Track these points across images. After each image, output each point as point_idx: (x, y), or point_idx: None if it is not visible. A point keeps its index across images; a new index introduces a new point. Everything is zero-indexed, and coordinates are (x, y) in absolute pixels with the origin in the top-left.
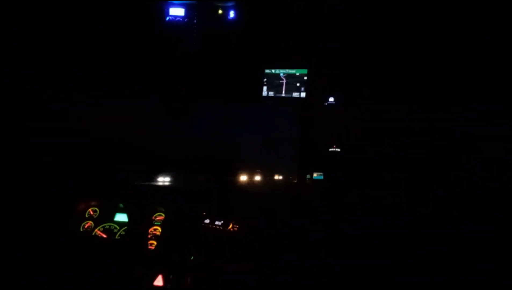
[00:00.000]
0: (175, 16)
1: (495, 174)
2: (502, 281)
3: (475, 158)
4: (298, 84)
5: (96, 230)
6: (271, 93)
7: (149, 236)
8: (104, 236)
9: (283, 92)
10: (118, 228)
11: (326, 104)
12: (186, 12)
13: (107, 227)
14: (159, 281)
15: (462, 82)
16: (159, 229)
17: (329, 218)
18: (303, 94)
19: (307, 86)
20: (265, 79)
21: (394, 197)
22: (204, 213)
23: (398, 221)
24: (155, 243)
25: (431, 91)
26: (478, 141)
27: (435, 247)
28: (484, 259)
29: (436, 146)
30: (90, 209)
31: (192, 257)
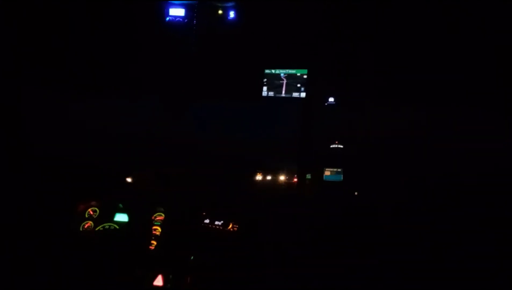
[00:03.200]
0: (175, 17)
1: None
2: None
3: (472, 154)
4: (298, 85)
5: (95, 230)
6: (271, 93)
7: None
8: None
9: (283, 92)
10: (118, 228)
11: (326, 104)
12: (186, 12)
13: (107, 227)
14: (159, 281)
15: (462, 82)
16: (159, 229)
17: (331, 219)
18: (303, 94)
19: (307, 86)
20: (265, 79)
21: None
22: (204, 213)
23: (406, 223)
24: (155, 243)
25: (431, 91)
26: (476, 138)
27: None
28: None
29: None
30: (90, 209)
31: (192, 257)
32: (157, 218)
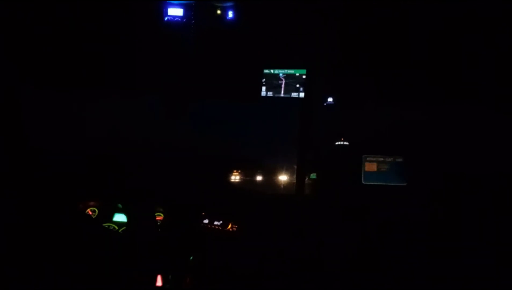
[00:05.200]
0: (174, 16)
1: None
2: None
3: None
4: (297, 85)
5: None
6: (270, 93)
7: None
8: None
9: (282, 92)
10: (117, 228)
11: (325, 104)
12: (184, 12)
13: (106, 227)
14: (158, 281)
15: (460, 82)
16: (159, 229)
17: (329, 219)
18: (302, 94)
19: (306, 86)
20: (264, 79)
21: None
22: (203, 213)
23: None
24: (154, 243)
25: (429, 90)
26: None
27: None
28: None
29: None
30: (89, 209)
31: (192, 257)
32: (157, 218)
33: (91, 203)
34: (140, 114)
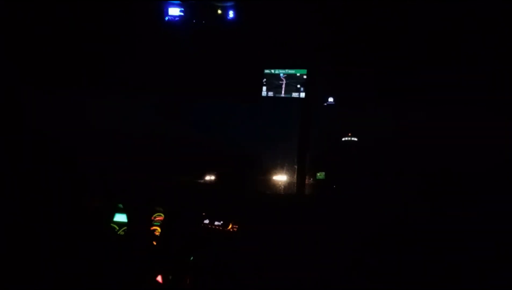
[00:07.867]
0: (174, 16)
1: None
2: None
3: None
4: (298, 85)
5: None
6: (270, 93)
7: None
8: None
9: (283, 92)
10: (117, 228)
11: (325, 104)
12: (185, 12)
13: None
14: (158, 281)
15: (460, 82)
16: (159, 229)
17: (329, 218)
18: (302, 95)
19: (307, 86)
20: (265, 79)
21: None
22: (204, 214)
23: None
24: (154, 243)
25: (430, 90)
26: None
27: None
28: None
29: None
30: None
31: (192, 257)
32: (157, 218)
33: (92, 203)
34: (140, 114)
